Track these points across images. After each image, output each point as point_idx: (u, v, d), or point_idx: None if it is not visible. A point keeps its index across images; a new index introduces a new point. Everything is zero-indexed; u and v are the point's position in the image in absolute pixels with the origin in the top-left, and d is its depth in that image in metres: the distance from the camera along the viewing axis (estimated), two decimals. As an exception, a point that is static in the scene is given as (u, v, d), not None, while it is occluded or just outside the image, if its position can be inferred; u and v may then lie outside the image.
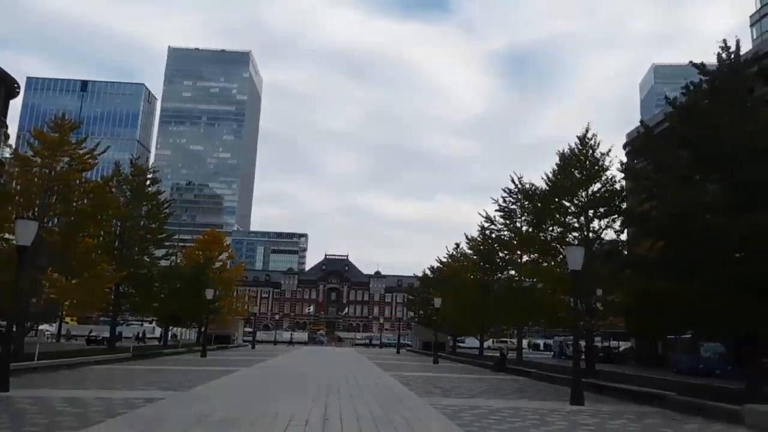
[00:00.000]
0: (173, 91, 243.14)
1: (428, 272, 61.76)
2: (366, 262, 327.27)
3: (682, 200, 17.72)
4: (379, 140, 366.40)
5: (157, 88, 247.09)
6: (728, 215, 16.06)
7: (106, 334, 46.60)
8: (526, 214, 33.33)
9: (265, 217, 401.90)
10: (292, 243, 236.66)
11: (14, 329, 18.30)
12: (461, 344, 65.16)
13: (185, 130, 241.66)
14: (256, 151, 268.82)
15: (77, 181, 27.93)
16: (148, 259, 40.02)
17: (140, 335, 60.27)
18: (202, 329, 48.01)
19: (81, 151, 27.66)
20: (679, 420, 13.34)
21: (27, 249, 15.94)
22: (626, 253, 26.49)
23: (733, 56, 18.67)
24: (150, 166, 47.49)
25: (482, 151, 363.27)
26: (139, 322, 73.03)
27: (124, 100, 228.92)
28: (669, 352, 38.21)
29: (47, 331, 59.70)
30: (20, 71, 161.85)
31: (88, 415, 11.13)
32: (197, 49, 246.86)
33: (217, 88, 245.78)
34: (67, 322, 64.63)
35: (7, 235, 24.65)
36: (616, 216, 26.50)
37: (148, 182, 40.36)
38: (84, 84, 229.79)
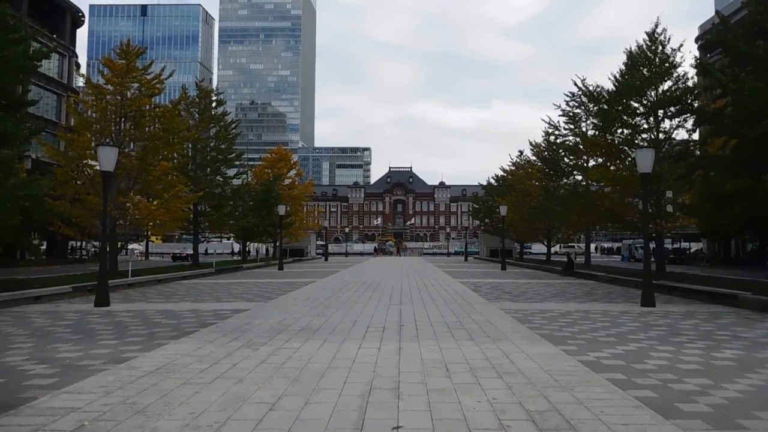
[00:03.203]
0: (229, 9, 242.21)
1: (492, 181, 61.47)
2: (429, 173, 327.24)
3: (759, 94, 16.91)
4: (433, 49, 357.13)
5: (212, 8, 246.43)
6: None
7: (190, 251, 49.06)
8: (591, 118, 32.54)
9: (327, 132, 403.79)
10: (355, 157, 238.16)
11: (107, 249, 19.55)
12: (528, 250, 65.34)
13: (244, 49, 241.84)
14: (315, 67, 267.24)
15: (147, 106, 28.89)
16: (220, 179, 41.51)
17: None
18: (277, 243, 49.83)
19: (148, 77, 28.40)
20: (753, 319, 13.24)
21: (110, 174, 16.83)
22: (698, 153, 25.66)
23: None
24: (214, 88, 48.37)
25: (537, 54, 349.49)
26: (218, 239, 76.39)
27: (183, 23, 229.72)
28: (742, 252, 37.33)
29: (136, 249, 63.23)
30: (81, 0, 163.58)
31: (182, 325, 11.93)
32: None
33: (271, 4, 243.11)
34: (152, 241, 68.16)
35: (90, 162, 25.97)
36: (688, 115, 25.54)
37: (213, 104, 41.28)
38: (144, 8, 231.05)
